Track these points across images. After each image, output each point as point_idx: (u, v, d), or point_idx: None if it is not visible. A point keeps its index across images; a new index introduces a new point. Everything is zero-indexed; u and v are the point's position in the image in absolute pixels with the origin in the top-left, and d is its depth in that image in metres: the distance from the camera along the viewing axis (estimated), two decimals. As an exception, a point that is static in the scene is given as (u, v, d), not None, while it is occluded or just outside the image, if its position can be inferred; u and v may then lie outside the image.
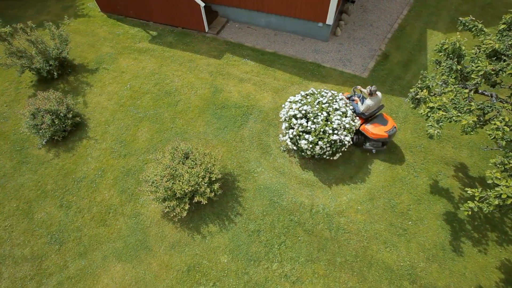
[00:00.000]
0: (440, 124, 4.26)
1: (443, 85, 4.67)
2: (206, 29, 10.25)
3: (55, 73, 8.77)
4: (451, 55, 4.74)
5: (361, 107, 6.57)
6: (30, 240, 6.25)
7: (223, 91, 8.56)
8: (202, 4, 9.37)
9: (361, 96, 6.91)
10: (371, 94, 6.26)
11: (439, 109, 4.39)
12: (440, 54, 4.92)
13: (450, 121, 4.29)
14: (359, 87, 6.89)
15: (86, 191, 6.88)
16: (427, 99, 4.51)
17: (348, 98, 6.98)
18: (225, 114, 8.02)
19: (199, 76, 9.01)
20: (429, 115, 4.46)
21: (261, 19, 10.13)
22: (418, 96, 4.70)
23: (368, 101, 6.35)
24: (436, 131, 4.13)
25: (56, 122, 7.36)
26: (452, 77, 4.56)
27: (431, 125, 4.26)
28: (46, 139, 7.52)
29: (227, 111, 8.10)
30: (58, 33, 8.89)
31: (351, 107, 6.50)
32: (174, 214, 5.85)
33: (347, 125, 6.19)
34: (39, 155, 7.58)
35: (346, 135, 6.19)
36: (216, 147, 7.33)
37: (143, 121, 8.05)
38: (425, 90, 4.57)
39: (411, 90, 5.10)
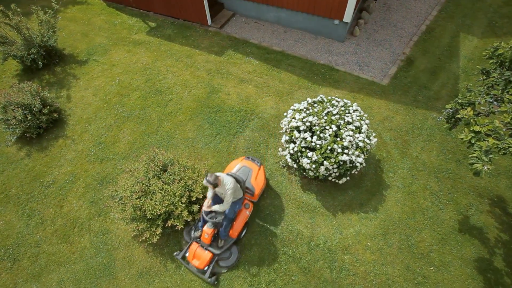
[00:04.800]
0: (490, 156, 3.10)
1: (494, 102, 3.50)
2: (209, 22, 9.26)
3: (39, 62, 7.97)
4: (507, 64, 3.56)
5: (226, 204, 4.51)
6: (-19, 254, 5.43)
7: (220, 92, 7.54)
8: (205, -6, 8.39)
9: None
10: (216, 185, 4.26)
11: (488, 135, 3.23)
12: (491, 61, 3.75)
13: (505, 153, 3.13)
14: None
15: (53, 199, 6.00)
16: (472, 120, 3.36)
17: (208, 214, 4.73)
18: (220, 119, 7.00)
19: (195, 74, 8.03)
20: (473, 142, 3.30)
21: (270, 13, 9.06)
22: (459, 116, 3.54)
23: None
24: (485, 167, 2.98)
25: (29, 118, 6.53)
26: (510, 93, 3.39)
27: (477, 157, 3.10)
28: (17, 136, 6.69)
29: (222, 115, 7.08)
30: (45, 18, 8.09)
31: (367, 121, 5.36)
32: (143, 239, 4.87)
33: (361, 143, 5.05)
34: (9, 153, 6.77)
35: (358, 155, 5.06)
36: (204, 157, 6.32)
37: (128, 122, 7.13)
38: (469, 108, 3.41)
39: (447, 107, 3.93)
